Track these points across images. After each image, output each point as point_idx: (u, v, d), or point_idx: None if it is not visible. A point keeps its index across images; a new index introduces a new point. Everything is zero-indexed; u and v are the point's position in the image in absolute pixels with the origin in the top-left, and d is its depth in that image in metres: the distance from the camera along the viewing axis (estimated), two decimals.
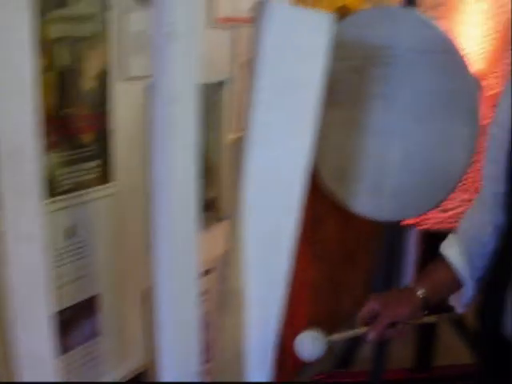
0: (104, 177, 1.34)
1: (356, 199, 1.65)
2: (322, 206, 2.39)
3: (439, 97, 1.50)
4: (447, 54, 1.47)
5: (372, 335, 1.25)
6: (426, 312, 1.27)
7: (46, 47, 1.16)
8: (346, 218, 1.99)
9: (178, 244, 1.13)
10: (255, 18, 1.15)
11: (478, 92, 1.50)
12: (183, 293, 1.17)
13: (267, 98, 1.18)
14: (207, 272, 1.68)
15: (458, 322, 2.33)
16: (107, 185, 1.35)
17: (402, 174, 1.57)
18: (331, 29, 1.24)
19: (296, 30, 1.19)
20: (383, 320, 1.23)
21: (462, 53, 1.46)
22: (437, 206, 1.67)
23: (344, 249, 2.86)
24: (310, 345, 1.26)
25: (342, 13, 2.13)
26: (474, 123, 1.47)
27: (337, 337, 1.31)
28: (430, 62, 1.49)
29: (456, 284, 1.25)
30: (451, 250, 1.26)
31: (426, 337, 2.38)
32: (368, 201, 1.63)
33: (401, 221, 1.79)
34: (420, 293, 1.24)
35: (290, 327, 2.22)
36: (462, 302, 1.27)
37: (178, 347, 1.20)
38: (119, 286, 1.44)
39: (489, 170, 1.21)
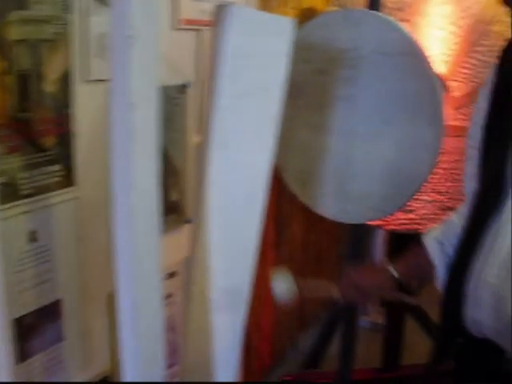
0: (66, 180, 1.33)
1: (321, 202, 1.65)
2: (287, 209, 2.40)
3: (404, 98, 1.51)
4: (411, 56, 1.48)
5: (338, 294, 1.38)
6: (400, 293, 1.34)
7: (6, 49, 1.15)
8: (312, 220, 1.99)
9: (141, 247, 1.12)
10: (216, 22, 1.15)
11: (442, 94, 1.52)
12: (146, 296, 1.16)
13: (228, 102, 1.18)
14: (171, 275, 1.67)
15: (425, 320, 2.35)
16: (70, 188, 1.34)
17: (367, 176, 1.57)
18: (293, 33, 1.24)
19: (257, 34, 1.19)
20: (352, 283, 1.36)
21: (426, 55, 1.47)
22: (402, 208, 1.68)
23: (310, 251, 2.87)
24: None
25: (308, 15, 2.15)
26: (438, 124, 1.48)
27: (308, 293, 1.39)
28: (394, 64, 1.50)
29: (430, 270, 1.28)
30: (430, 237, 1.31)
31: (394, 336, 2.39)
32: (333, 203, 1.63)
33: (367, 222, 1.80)
34: (392, 270, 1.29)
35: (257, 330, 2.23)
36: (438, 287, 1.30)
37: (142, 351, 1.19)
38: (83, 290, 1.43)
39: (467, 167, 1.25)
